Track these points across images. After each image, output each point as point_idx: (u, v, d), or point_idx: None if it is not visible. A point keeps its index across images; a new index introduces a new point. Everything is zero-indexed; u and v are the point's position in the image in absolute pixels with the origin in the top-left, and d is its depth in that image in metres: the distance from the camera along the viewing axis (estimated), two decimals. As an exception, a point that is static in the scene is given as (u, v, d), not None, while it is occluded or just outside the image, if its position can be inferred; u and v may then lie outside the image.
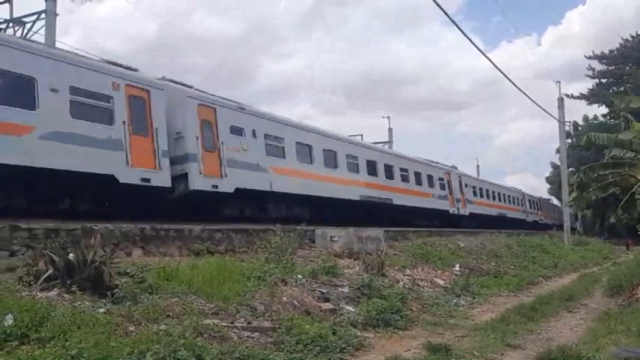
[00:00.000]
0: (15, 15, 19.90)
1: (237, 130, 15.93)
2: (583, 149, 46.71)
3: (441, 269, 15.74)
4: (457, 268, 16.50)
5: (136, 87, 13.05)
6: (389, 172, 24.10)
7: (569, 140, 48.21)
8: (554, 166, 61.91)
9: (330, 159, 20.06)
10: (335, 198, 19.65)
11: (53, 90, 11.12)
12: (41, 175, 10.70)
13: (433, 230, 23.01)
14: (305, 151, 18.83)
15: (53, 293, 6.54)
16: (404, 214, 24.67)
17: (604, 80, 52.27)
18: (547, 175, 68.49)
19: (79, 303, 6.22)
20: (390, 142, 43.97)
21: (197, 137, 14.44)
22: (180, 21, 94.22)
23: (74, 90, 11.61)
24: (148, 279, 7.63)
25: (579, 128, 53.34)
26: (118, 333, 5.57)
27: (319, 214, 18.71)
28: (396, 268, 13.82)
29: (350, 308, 9.54)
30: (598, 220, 55.20)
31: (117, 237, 10.23)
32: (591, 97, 52.71)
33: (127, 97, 12.74)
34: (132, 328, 5.86)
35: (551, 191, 65.89)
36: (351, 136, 24.06)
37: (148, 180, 12.71)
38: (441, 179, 29.29)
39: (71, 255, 7.10)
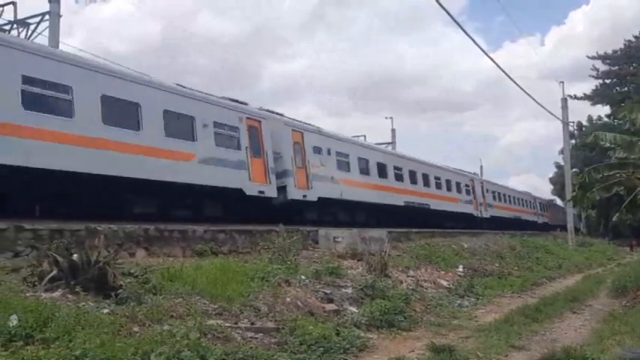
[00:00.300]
0: (19, 16, 19.99)
1: (317, 150, 19.22)
2: (587, 150, 46.67)
3: (445, 270, 15.73)
4: (461, 269, 16.47)
5: (252, 119, 16.54)
6: (426, 180, 27.27)
7: (573, 141, 48.14)
8: (558, 167, 61.72)
9: (382, 171, 23.48)
10: (386, 204, 23.00)
11: (204, 125, 14.61)
12: (199, 190, 14.23)
13: (436, 231, 23.02)
14: (364, 165, 22.10)
15: (57, 294, 6.56)
16: (437, 218, 27.36)
17: (608, 81, 52.08)
18: (551, 175, 68.31)
19: (83, 303, 6.24)
20: (393, 142, 43.96)
21: (291, 157, 17.79)
22: (184, 22, 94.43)
23: (217, 124, 15.07)
24: (152, 280, 7.64)
25: (583, 129, 53.25)
26: (122, 333, 5.58)
27: (372, 218, 21.99)
28: (400, 269, 13.81)
29: (353, 309, 9.53)
30: (602, 221, 55.12)
31: (120, 238, 10.24)
32: (595, 98, 52.53)
33: (247, 128, 16.18)
34: (136, 329, 5.86)
35: (554, 192, 65.73)
36: (354, 137, 24.59)
37: (262, 192, 16.11)
38: (466, 185, 32.39)
39: (75, 256, 7.12)
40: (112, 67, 13.90)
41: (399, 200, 24.04)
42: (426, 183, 27.13)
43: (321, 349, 6.87)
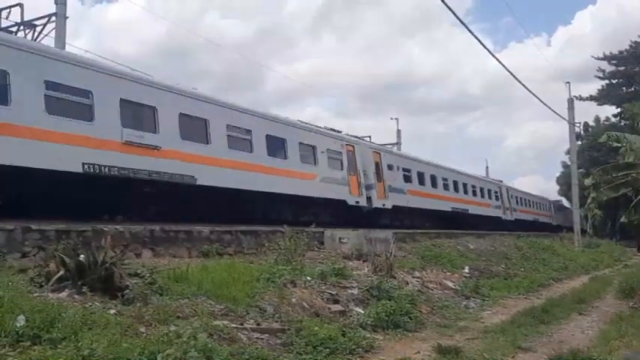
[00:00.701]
0: (26, 18, 20.08)
1: (390, 167, 23.81)
2: (593, 150, 46.48)
3: (451, 271, 15.68)
4: (466, 270, 16.42)
5: (349, 145, 21.40)
6: (465, 188, 31.94)
7: (580, 142, 47.95)
8: (565, 166, 61.41)
9: (434, 182, 28.16)
10: (439, 210, 27.98)
11: (322, 152, 19.47)
12: (318, 201, 18.99)
13: (442, 232, 23.01)
14: (422, 178, 26.83)
15: (64, 294, 6.58)
16: (474, 221, 31.95)
17: (614, 81, 51.86)
18: (557, 175, 68.03)
19: (90, 304, 6.25)
20: (398, 143, 43.88)
21: (374, 173, 22.26)
22: (191, 24, 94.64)
23: (329, 151, 19.95)
24: (158, 280, 7.65)
25: (589, 129, 53.03)
26: (129, 334, 5.59)
27: (429, 221, 26.71)
28: (405, 270, 13.78)
29: (359, 310, 9.52)
30: (609, 222, 54.85)
31: (127, 238, 10.27)
32: (601, 98, 52.31)
33: (346, 152, 20.92)
34: (142, 329, 5.87)
35: (561, 192, 65.47)
36: (359, 137, 24.77)
37: (358, 202, 20.81)
38: (495, 192, 37.18)
39: (82, 256, 7.14)
40: (270, 113, 18.85)
41: (447, 206, 28.88)
42: (466, 191, 31.84)
43: (327, 350, 6.87)
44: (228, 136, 15.27)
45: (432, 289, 13.03)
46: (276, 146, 17.24)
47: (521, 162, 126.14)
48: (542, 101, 30.17)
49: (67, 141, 11.08)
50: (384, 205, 22.40)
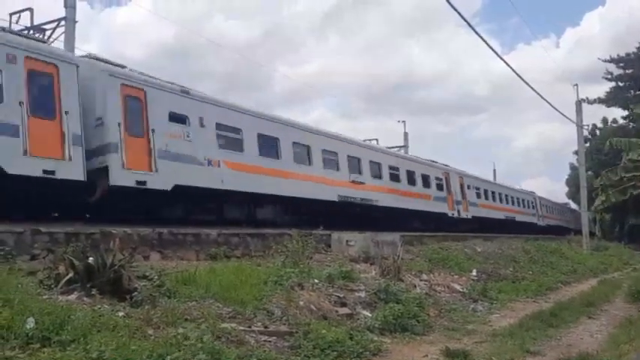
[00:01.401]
0: (35, 22, 20.24)
1: (469, 187, 31.61)
2: (601, 152, 46.25)
3: (458, 274, 15.63)
4: (474, 273, 16.35)
5: (445, 172, 29.30)
6: (513, 200, 40.06)
7: (588, 144, 47.69)
8: (573, 168, 61.18)
9: (494, 196, 36.42)
10: (497, 218, 35.58)
11: (433, 179, 27.28)
12: (433, 215, 26.72)
13: (449, 235, 22.96)
14: (486, 194, 35.02)
15: (73, 296, 6.62)
16: (518, 226, 38.12)
17: (621, 83, 51.54)
18: (566, 177, 67.70)
19: (99, 306, 6.28)
20: (405, 146, 43.81)
21: (460, 192, 30.27)
22: (197, 26, 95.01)
23: (437, 179, 27.92)
24: (166, 283, 7.68)
25: (597, 131, 52.73)
26: (137, 336, 5.61)
27: (493, 227, 31.98)
28: (413, 272, 13.75)
29: (367, 313, 9.50)
30: (617, 225, 54.51)
31: (135, 241, 10.33)
32: (609, 101, 52.00)
33: (444, 178, 28.87)
34: (151, 332, 5.89)
35: (569, 194, 65.15)
36: (366, 140, 25.06)
37: (453, 214, 28.85)
38: (530, 202, 44.62)
39: (91, 259, 7.18)
40: (379, 146, 25.80)
41: (502, 215, 36.68)
42: (513, 202, 40.00)
43: (335, 353, 6.86)
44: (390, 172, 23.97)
45: (439, 292, 12.98)
46: (411, 178, 25.49)
47: (528, 164, 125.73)
48: (551, 104, 30.00)
49: (329, 183, 19.37)
50: (467, 215, 30.56)
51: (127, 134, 12.41)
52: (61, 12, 19.57)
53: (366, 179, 21.50)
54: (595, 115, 59.59)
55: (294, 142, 17.89)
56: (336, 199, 19.37)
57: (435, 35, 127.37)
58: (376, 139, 27.78)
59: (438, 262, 16.27)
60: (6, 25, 19.96)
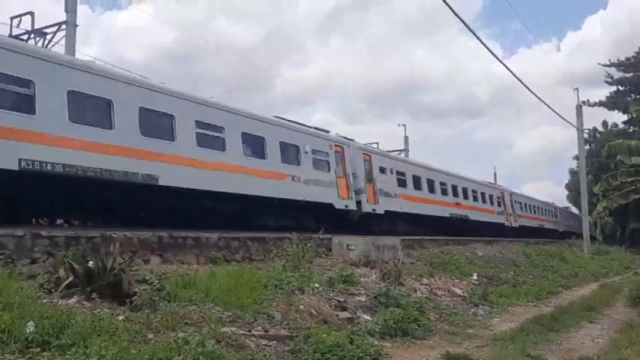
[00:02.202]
0: (36, 26, 20.29)
1: (517, 202, 39.40)
2: (602, 156, 46.22)
3: (459, 278, 15.62)
4: (475, 277, 16.34)
5: (501, 191, 36.33)
6: (542, 211, 47.40)
7: (588, 146, 47.68)
8: (572, 173, 61.24)
9: (533, 209, 44.45)
10: (534, 226, 42.54)
11: (489, 196, 34.05)
12: (489, 225, 32.95)
13: (450, 239, 22.93)
14: (527, 207, 42.35)
15: (73, 300, 6.61)
16: (547, 232, 44.93)
17: (622, 88, 51.63)
18: (566, 182, 67.75)
19: (99, 310, 6.27)
20: (406, 150, 43.84)
21: (511, 206, 37.79)
22: (199, 29, 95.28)
23: (491, 197, 34.89)
24: (166, 286, 7.67)
25: (597, 135, 52.74)
26: (137, 340, 5.60)
27: (529, 233, 38.36)
28: (413, 276, 13.74)
29: (367, 317, 9.49)
30: (619, 229, 54.44)
31: (135, 245, 10.30)
32: (610, 104, 52.07)
33: (500, 194, 35.83)
34: (151, 336, 5.89)
35: (570, 199, 65.14)
36: (367, 144, 24.95)
37: (504, 224, 35.09)
38: (553, 211, 51.77)
39: (91, 262, 7.18)
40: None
41: (537, 224, 44.30)
42: (542, 213, 47.03)
43: (335, 357, 6.84)
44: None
45: (440, 297, 12.97)
46: (483, 198, 33.20)
47: (529, 167, 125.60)
48: (551, 108, 30.09)
49: (444, 204, 27.90)
50: (516, 224, 37.41)
51: (366, 182, 20.98)
52: (62, 16, 19.62)
53: (462, 201, 29.79)
54: (596, 119, 59.69)
55: (427, 178, 26.58)
56: (448, 215, 27.72)
57: (437, 38, 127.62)
58: (377, 143, 27.88)
59: (438, 266, 16.26)
60: (6, 29, 20.05)
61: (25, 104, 10.53)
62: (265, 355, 6.33)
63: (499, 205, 35.46)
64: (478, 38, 20.38)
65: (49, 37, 20.05)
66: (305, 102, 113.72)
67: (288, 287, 9.26)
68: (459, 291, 14.02)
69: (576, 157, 47.95)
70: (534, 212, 44.32)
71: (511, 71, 23.47)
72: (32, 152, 10.32)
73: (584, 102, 43.17)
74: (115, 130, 11.98)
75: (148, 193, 12.68)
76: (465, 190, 30.37)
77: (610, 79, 51.42)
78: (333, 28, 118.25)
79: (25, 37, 20.18)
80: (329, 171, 19.14)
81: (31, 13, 20.21)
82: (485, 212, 32.78)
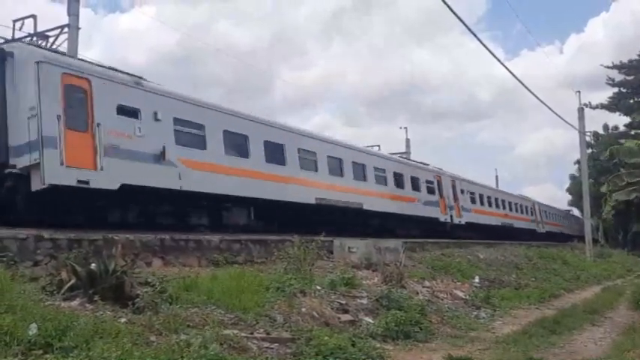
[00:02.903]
0: (38, 29, 20.34)
1: (545, 212, 47.19)
2: (603, 159, 46.18)
3: (461, 281, 15.59)
4: (477, 280, 16.31)
5: (534, 203, 44.18)
6: (560, 218, 53.19)
7: (590, 150, 47.63)
8: (573, 178, 61.31)
9: (552, 217, 50.37)
10: (553, 231, 47.11)
11: (542, 211, 46.09)
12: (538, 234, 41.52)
13: (451, 242, 22.91)
14: (547, 214, 47.70)
15: (76, 303, 6.62)
16: (565, 237, 46.86)
17: (624, 90, 51.59)
18: (567, 186, 67.74)
19: (101, 313, 6.28)
20: (407, 152, 43.82)
21: (540, 215, 45.38)
22: (201, 32, 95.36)
23: (550, 214, 49.47)
24: (169, 289, 7.67)
25: (598, 139, 52.70)
26: (140, 343, 5.60)
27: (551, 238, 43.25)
28: (415, 279, 13.72)
29: (369, 320, 9.48)
30: (621, 232, 54.35)
31: (137, 247, 10.31)
32: (612, 107, 52.04)
33: (534, 206, 44.05)
34: (153, 338, 5.89)
35: (571, 202, 65.09)
36: (368, 147, 24.99)
37: (534, 229, 42.24)
38: (564, 216, 56.39)
39: (93, 265, 7.19)
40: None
41: (558, 230, 49.38)
42: (560, 219, 53.06)
43: (337, 359, 6.84)
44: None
45: (442, 299, 12.95)
46: (521, 209, 40.53)
47: (531, 170, 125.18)
48: (552, 110, 30.10)
49: (495, 215, 35.01)
50: (543, 230, 43.30)
51: (453, 201, 28.67)
52: (65, 19, 19.68)
53: (508, 212, 36.87)
54: (598, 121, 59.58)
55: (487, 196, 34.02)
56: (500, 224, 34.68)
57: (439, 41, 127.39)
58: (378, 146, 27.88)
59: (440, 269, 16.25)
60: (9, 32, 20.12)
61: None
62: (267, 358, 6.33)
63: (531, 214, 42.95)
64: (479, 40, 20.57)
65: (51, 40, 20.10)
66: (305, 104, 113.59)
67: (290, 290, 9.26)
68: (460, 294, 14.00)
69: (577, 162, 48.05)
70: (554, 219, 51.11)
71: (512, 73, 23.50)
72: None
73: (585, 104, 43.22)
74: (250, 159, 15.48)
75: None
76: (510, 204, 37.72)
77: (612, 82, 51.41)
78: (335, 31, 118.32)
79: (27, 39, 20.23)
80: (434, 194, 26.15)
81: (34, 17, 20.24)
82: (523, 221, 40.21)
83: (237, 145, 15.27)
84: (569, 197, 65.85)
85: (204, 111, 14.39)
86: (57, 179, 10.37)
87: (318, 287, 10.15)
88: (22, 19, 20.60)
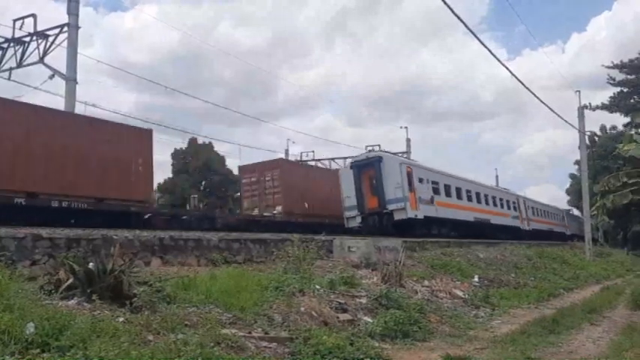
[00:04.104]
0: (38, 29, 20.34)
1: (572, 216, 58.60)
2: (602, 159, 46.19)
3: (460, 280, 15.58)
4: (476, 279, 16.30)
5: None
6: (568, 220, 56.24)
7: (590, 151, 47.60)
8: (573, 177, 61.32)
9: (561, 219, 55.15)
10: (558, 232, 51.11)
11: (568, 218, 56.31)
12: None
13: (451, 241, 22.91)
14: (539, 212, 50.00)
15: (73, 302, 6.62)
16: (573, 237, 48.14)
17: (625, 89, 51.56)
18: (567, 187, 67.83)
19: (99, 312, 6.27)
20: (408, 152, 43.83)
21: (564, 218, 56.53)
22: (204, 32, 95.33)
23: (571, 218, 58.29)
24: (167, 288, 7.67)
25: (596, 138, 52.70)
26: (137, 342, 5.59)
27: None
28: (415, 278, 13.72)
29: (368, 319, 9.48)
30: (620, 232, 54.37)
31: (136, 246, 10.33)
32: (612, 107, 52.02)
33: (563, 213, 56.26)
34: (150, 338, 5.88)
35: (570, 202, 65.14)
36: (368, 146, 25.68)
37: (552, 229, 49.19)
38: (558, 214, 55.78)
39: (91, 264, 7.18)
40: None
41: (566, 231, 52.71)
42: (568, 220, 55.97)
43: (335, 359, 6.82)
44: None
45: (441, 299, 12.94)
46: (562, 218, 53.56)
47: (533, 170, 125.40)
48: (552, 110, 30.01)
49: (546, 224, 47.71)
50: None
51: (521, 214, 40.96)
52: (64, 18, 19.68)
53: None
54: (600, 122, 59.60)
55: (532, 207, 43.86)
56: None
57: (442, 41, 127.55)
58: (378, 145, 27.94)
59: (439, 268, 16.23)
60: (9, 30, 20.13)
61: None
62: (265, 357, 6.32)
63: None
64: (478, 39, 20.55)
65: (51, 39, 20.09)
66: (308, 105, 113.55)
67: (289, 289, 9.26)
68: (460, 293, 13.99)
69: (577, 162, 48.05)
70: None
71: (512, 73, 23.41)
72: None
73: (586, 105, 43.15)
74: (451, 197, 28.38)
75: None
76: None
77: (613, 81, 51.39)
78: (338, 32, 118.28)
79: (27, 39, 20.23)
80: (516, 210, 38.97)
81: (34, 16, 20.28)
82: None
83: (448, 191, 27.84)
84: (570, 199, 65.93)
85: (436, 174, 27.50)
86: (409, 215, 23.47)
87: (317, 287, 10.14)
88: (22, 18, 20.62)
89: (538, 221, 44.61)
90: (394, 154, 30.01)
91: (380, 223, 23.45)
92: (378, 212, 23.59)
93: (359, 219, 24.15)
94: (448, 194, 27.67)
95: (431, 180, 26.02)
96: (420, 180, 24.88)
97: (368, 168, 24.26)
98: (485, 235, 29.62)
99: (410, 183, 23.76)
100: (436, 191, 26.36)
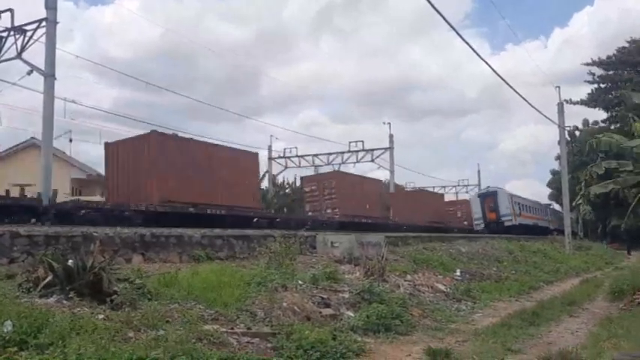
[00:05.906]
0: (16, 23, 19.98)
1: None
2: (582, 154, 46.82)
3: (442, 274, 15.71)
4: (458, 273, 16.47)
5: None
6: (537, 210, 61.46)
7: (571, 146, 48.24)
8: (554, 173, 62.15)
9: (539, 210, 60.13)
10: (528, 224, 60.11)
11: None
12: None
13: (434, 235, 23.09)
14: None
15: (52, 299, 6.55)
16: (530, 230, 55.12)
17: (603, 85, 52.35)
18: (548, 180, 68.62)
19: (78, 309, 6.23)
20: (391, 148, 44.00)
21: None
22: (188, 27, 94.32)
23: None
24: (148, 285, 7.63)
25: (577, 133, 53.41)
26: (117, 339, 5.56)
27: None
28: (397, 273, 13.79)
29: (350, 313, 9.52)
30: (600, 225, 55.23)
31: (117, 243, 10.23)
32: (591, 102, 52.77)
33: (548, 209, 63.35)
34: (131, 334, 5.85)
35: (551, 197, 66.00)
36: (351, 142, 25.40)
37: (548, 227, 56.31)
38: (550, 213, 63.72)
39: (70, 261, 7.11)
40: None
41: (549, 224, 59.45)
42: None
43: (318, 353, 6.84)
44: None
45: (423, 293, 13.04)
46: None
47: (515, 165, 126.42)
48: (532, 105, 30.20)
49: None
50: (552, 227, 53.99)
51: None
52: (42, 13, 19.33)
53: None
54: (580, 117, 60.21)
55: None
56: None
57: (426, 38, 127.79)
58: (362, 142, 28.05)
59: (422, 263, 16.35)
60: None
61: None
62: (247, 353, 6.31)
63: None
64: (460, 36, 20.67)
65: (29, 34, 19.76)
66: (293, 101, 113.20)
67: (272, 285, 9.26)
68: (442, 287, 14.11)
69: (558, 158, 48.63)
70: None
71: (493, 69, 23.48)
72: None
73: (566, 100, 43.71)
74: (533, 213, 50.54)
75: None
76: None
77: (591, 78, 52.12)
78: (324, 28, 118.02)
79: (4, 34, 19.89)
80: (547, 216, 54.79)
81: (11, 10, 19.91)
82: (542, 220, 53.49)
83: (523, 207, 45.77)
84: (551, 193, 66.79)
85: (519, 199, 46.70)
86: (513, 223, 42.50)
87: (300, 282, 10.16)
88: (-1, 12, 20.19)
89: (525, 217, 48.82)
90: (499, 188, 47.44)
91: (496, 227, 40.38)
92: (496, 221, 42.23)
93: (482, 225, 42.67)
94: (523, 209, 46.05)
95: (518, 202, 45.27)
96: (515, 203, 44.32)
97: (488, 196, 44.22)
98: (536, 232, 45.19)
99: (512, 205, 43.18)
100: (520, 208, 45.16)
